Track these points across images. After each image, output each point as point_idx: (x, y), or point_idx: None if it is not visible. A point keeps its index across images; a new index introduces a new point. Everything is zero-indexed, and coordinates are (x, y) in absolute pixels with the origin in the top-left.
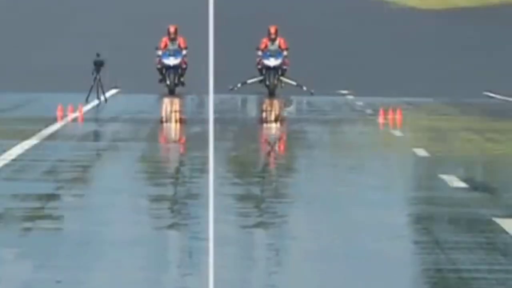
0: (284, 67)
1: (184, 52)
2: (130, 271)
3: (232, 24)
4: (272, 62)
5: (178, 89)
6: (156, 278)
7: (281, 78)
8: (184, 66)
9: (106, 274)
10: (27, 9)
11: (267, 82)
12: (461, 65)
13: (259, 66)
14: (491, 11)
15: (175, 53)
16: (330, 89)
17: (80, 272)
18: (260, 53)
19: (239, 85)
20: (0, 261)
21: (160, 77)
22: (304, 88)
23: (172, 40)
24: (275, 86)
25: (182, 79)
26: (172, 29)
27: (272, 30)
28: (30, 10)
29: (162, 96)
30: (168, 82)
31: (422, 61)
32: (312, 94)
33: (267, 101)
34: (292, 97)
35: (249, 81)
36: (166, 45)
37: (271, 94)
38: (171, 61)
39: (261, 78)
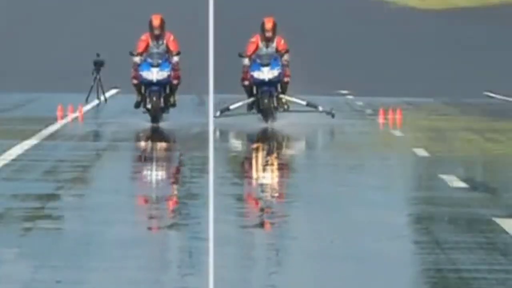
0: (285, 79)
1: (175, 58)
2: (130, 271)
3: (230, 23)
4: (265, 73)
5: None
6: (156, 278)
7: (283, 96)
8: (175, 81)
9: (106, 274)
10: (26, 9)
11: (261, 106)
12: (461, 65)
13: (246, 82)
14: (491, 11)
15: (161, 61)
16: (330, 89)
17: (80, 272)
18: (246, 61)
19: (217, 113)
20: (0, 261)
21: (138, 98)
22: (320, 109)
23: (156, 39)
24: (275, 109)
25: (172, 100)
26: (155, 22)
27: (269, 25)
28: (29, 10)
29: (140, 132)
30: (149, 106)
31: (422, 61)
32: (333, 116)
33: (261, 132)
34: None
35: (233, 106)
36: (147, 47)
37: (267, 119)
38: (154, 74)
39: (250, 100)
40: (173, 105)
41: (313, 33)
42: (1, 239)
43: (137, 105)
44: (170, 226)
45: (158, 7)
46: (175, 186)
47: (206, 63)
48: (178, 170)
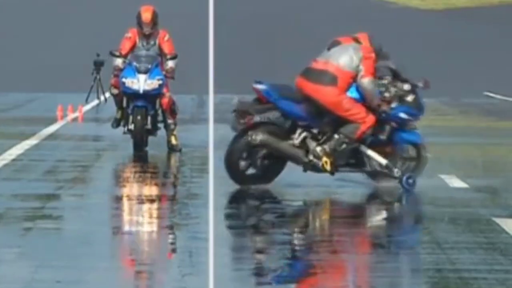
0: (166, 94)
1: (170, 64)
2: (130, 271)
3: (230, 22)
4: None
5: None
6: (156, 278)
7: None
8: (167, 94)
9: (106, 274)
10: (27, 9)
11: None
12: (461, 65)
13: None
14: (491, 11)
15: (151, 66)
16: None
17: (80, 272)
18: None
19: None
20: (0, 261)
21: (118, 114)
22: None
23: (146, 38)
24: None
25: (169, 120)
26: (146, 16)
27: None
28: (30, 10)
29: (119, 168)
30: (131, 126)
31: (422, 61)
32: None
33: None
34: None
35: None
36: (132, 48)
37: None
38: (141, 82)
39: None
40: (169, 128)
41: (313, 33)
42: (1, 239)
43: (115, 124)
44: (170, 226)
45: (159, 7)
46: (175, 186)
47: (206, 63)
48: (178, 170)
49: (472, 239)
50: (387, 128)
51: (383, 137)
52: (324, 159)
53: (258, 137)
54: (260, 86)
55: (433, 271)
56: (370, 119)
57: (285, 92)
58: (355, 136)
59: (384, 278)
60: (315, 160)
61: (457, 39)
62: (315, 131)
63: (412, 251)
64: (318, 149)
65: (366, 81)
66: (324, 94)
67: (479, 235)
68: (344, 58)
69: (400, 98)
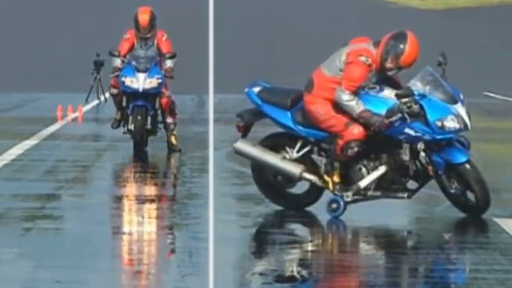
0: (166, 93)
1: (168, 63)
2: (130, 271)
3: (231, 22)
4: (140, 81)
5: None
6: (156, 278)
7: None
8: (166, 93)
9: (106, 274)
10: (27, 9)
11: (130, 125)
12: (461, 65)
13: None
14: (491, 11)
15: (150, 66)
16: None
17: (80, 272)
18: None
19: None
20: (0, 261)
21: (117, 115)
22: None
23: (144, 39)
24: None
25: (168, 120)
26: (143, 18)
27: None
28: (30, 10)
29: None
30: (131, 127)
31: (422, 61)
32: None
33: None
34: None
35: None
36: (130, 48)
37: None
38: (141, 81)
39: (378, 174)
40: (169, 128)
41: (312, 33)
42: (1, 239)
43: (115, 125)
44: (170, 226)
45: (160, 7)
46: (175, 186)
47: (206, 63)
48: (178, 170)
49: (472, 239)
50: (406, 146)
51: (405, 157)
52: (331, 178)
53: (241, 146)
54: (251, 88)
55: (433, 271)
56: (349, 133)
57: (276, 96)
58: (338, 153)
59: (384, 278)
60: (325, 177)
61: (457, 39)
62: (324, 144)
63: (412, 251)
64: (323, 167)
65: (337, 91)
66: (304, 101)
67: (479, 235)
68: (329, 60)
69: (415, 114)
